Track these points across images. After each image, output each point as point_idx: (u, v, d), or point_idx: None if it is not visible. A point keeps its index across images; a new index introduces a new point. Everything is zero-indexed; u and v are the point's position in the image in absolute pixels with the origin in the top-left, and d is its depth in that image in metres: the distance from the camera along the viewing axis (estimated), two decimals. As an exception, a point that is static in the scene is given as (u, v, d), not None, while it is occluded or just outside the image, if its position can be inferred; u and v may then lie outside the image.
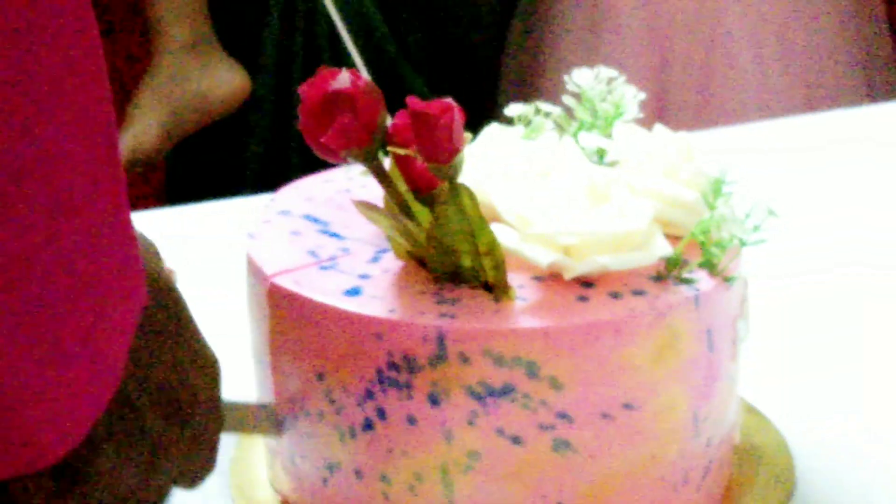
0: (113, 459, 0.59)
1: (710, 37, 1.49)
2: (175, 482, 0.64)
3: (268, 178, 1.26)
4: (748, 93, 1.49)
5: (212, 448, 0.64)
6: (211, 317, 0.93)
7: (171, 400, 0.61)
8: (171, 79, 1.25)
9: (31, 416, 0.52)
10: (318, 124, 0.67)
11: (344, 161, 0.69)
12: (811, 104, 1.49)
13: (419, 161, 0.67)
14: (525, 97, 0.76)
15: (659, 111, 1.45)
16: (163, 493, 0.63)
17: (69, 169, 0.51)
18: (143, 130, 1.20)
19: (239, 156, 1.35)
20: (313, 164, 0.88)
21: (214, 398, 0.64)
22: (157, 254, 0.62)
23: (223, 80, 1.27)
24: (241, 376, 0.80)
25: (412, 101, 0.66)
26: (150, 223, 1.06)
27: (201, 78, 1.25)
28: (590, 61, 0.74)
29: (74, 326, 0.53)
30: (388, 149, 0.68)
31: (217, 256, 1.01)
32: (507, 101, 0.75)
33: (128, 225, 0.55)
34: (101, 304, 0.54)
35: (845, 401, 0.83)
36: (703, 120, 1.45)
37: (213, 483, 0.77)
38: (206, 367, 0.63)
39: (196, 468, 0.64)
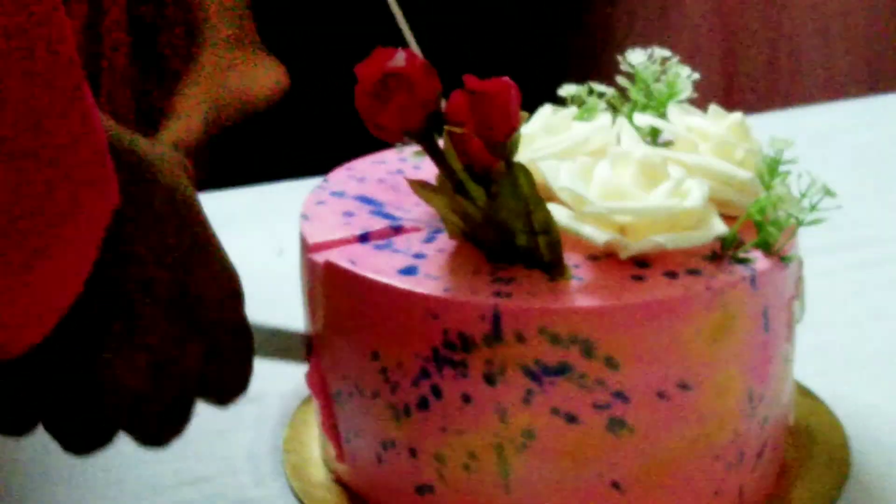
0: (115, 362, 0.59)
1: (776, 20, 1.48)
2: (201, 396, 0.64)
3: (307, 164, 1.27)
4: (813, 75, 1.49)
5: (239, 365, 0.65)
6: (263, 296, 0.94)
7: (182, 309, 0.61)
8: (215, 73, 1.26)
9: None
10: (374, 104, 0.67)
11: (400, 140, 0.69)
12: (874, 86, 1.49)
13: (475, 140, 0.67)
14: (590, 78, 0.76)
15: (725, 94, 1.45)
16: (182, 404, 0.63)
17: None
18: (186, 122, 1.22)
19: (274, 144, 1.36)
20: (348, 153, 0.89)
21: (237, 315, 0.64)
22: (174, 161, 0.62)
23: (264, 76, 1.28)
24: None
25: (469, 79, 0.66)
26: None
27: (243, 73, 1.27)
28: (657, 44, 0.75)
29: (38, 226, 0.54)
30: (445, 128, 0.68)
31: (269, 236, 1.01)
32: (573, 82, 0.76)
33: (92, 120, 0.55)
34: (67, 203, 0.54)
35: (900, 383, 0.83)
36: (770, 102, 1.45)
37: (267, 462, 0.77)
38: (225, 283, 0.63)
39: (222, 385, 0.65)
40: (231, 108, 1.27)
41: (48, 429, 0.62)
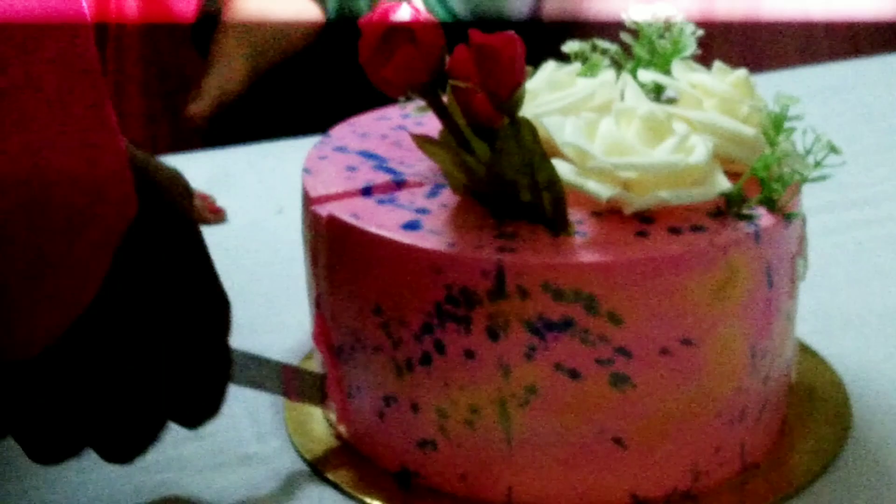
0: (86, 372, 0.60)
1: None
2: (173, 417, 0.65)
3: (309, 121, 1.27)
4: (791, 38, 1.48)
5: (215, 391, 0.65)
6: (263, 253, 0.94)
7: (165, 329, 0.61)
8: (251, 17, 1.25)
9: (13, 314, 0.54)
10: (378, 58, 0.67)
11: (404, 95, 0.69)
12: (855, 50, 1.48)
13: (479, 95, 0.67)
14: (594, 35, 0.76)
15: (702, 58, 1.44)
16: (153, 423, 0.64)
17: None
18: (229, 70, 1.21)
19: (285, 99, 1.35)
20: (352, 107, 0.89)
21: (220, 340, 0.65)
22: (181, 185, 0.62)
23: (300, 14, 1.27)
24: (296, 311, 0.80)
25: (474, 33, 0.65)
26: (201, 163, 1.06)
27: (279, 14, 1.26)
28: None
29: (56, 231, 0.54)
30: (449, 82, 0.67)
31: (268, 193, 1.01)
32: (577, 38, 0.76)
33: (111, 128, 0.56)
34: (86, 210, 0.55)
35: (901, 341, 0.83)
36: (747, 66, 1.44)
37: (268, 419, 0.77)
38: (214, 308, 0.63)
39: (195, 408, 0.65)
40: (271, 52, 1.27)
41: (16, 436, 0.63)
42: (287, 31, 1.26)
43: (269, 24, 1.25)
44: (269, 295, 0.89)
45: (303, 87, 1.35)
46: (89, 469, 0.73)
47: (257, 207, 1.00)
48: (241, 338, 0.84)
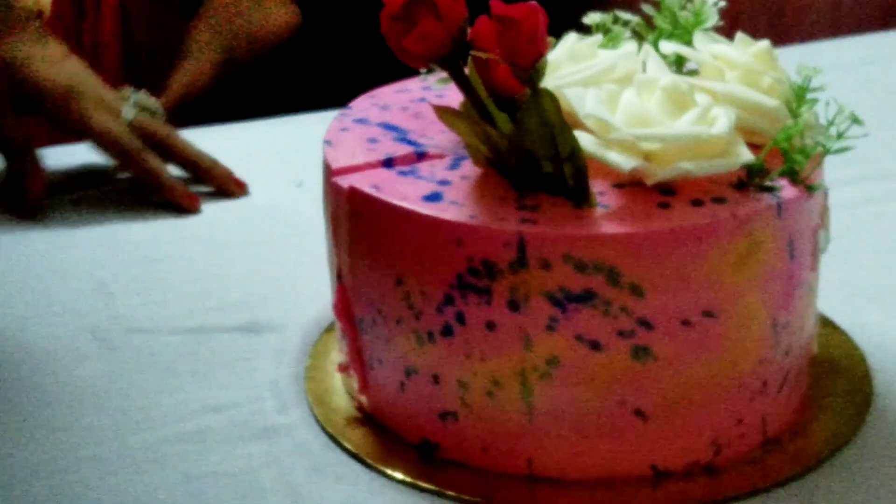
0: None
1: None
2: None
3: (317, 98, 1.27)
4: (821, 12, 1.47)
5: None
6: (284, 226, 0.94)
7: None
8: (225, 14, 1.26)
9: None
10: (400, 29, 0.67)
11: (425, 66, 0.69)
12: (883, 23, 1.47)
13: (501, 66, 0.67)
14: (615, 6, 0.76)
15: (728, 31, 1.44)
16: None
17: None
18: (199, 65, 1.22)
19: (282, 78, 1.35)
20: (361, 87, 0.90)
21: None
22: None
23: (274, 15, 1.28)
24: (316, 283, 0.80)
25: (495, 3, 0.65)
26: (221, 137, 1.07)
27: (253, 13, 1.27)
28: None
29: None
30: (470, 53, 0.67)
31: (288, 167, 1.01)
32: (598, 9, 0.75)
33: None
34: None
35: (923, 315, 0.82)
36: (775, 40, 1.44)
37: (289, 391, 0.78)
38: None
39: None
40: (242, 48, 1.28)
41: None
42: (259, 33, 1.27)
43: (242, 24, 1.26)
44: (290, 268, 0.89)
45: (327, 58, 1.35)
46: (111, 441, 0.74)
47: (277, 181, 1.00)
48: (263, 309, 0.85)
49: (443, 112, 0.70)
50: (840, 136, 0.68)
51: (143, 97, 1.00)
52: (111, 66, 1.26)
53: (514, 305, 0.67)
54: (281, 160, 1.03)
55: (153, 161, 0.98)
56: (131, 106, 0.99)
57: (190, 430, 0.75)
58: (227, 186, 0.99)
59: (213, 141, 1.06)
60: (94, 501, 0.70)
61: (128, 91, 1.00)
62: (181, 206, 0.97)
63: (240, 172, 1.01)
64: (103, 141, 0.98)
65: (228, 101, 1.28)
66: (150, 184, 0.98)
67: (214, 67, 1.23)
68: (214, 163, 1.00)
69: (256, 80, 1.30)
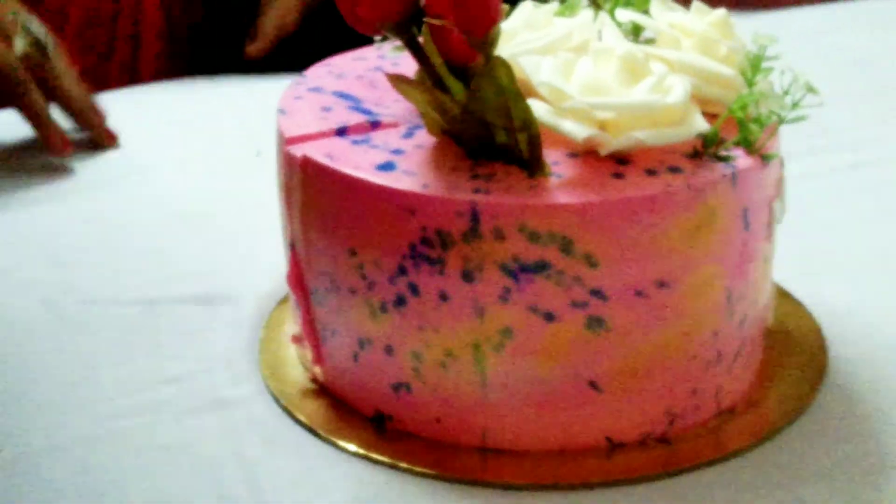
0: None
1: None
2: None
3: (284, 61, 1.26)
4: None
5: None
6: (239, 193, 0.93)
7: None
8: None
9: None
10: (352, -6, 0.66)
11: (378, 33, 0.68)
12: None
13: (455, 33, 0.66)
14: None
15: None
16: None
17: None
18: (284, 7, 1.22)
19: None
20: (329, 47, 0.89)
21: None
22: None
23: None
24: (272, 254, 0.80)
25: (449, -30, 0.64)
26: (174, 96, 1.05)
27: None
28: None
29: None
30: (424, 20, 0.67)
31: (243, 132, 1.00)
32: None
33: None
34: None
35: (880, 286, 0.82)
36: (737, 6, 1.43)
37: (243, 362, 0.77)
38: None
39: None
40: None
41: None
42: None
43: None
44: (245, 238, 0.88)
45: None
46: (61, 413, 0.73)
47: (235, 149, 0.99)
48: (217, 280, 0.84)
49: (397, 80, 0.69)
50: (795, 105, 0.68)
51: (38, 27, 0.98)
52: (151, 38, 1.25)
53: (467, 276, 0.67)
54: (240, 128, 1.02)
55: (36, 97, 0.97)
56: (23, 38, 0.97)
57: (142, 403, 0.74)
58: (99, 136, 0.98)
59: (168, 103, 1.05)
60: (43, 475, 0.69)
61: (23, 17, 0.98)
62: (53, 148, 0.96)
63: (198, 141, 1.00)
64: None
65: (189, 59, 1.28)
66: (30, 120, 0.97)
67: (300, 7, 1.23)
68: (94, 110, 0.99)
69: (219, 40, 1.30)
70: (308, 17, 1.27)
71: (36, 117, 0.96)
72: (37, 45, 0.98)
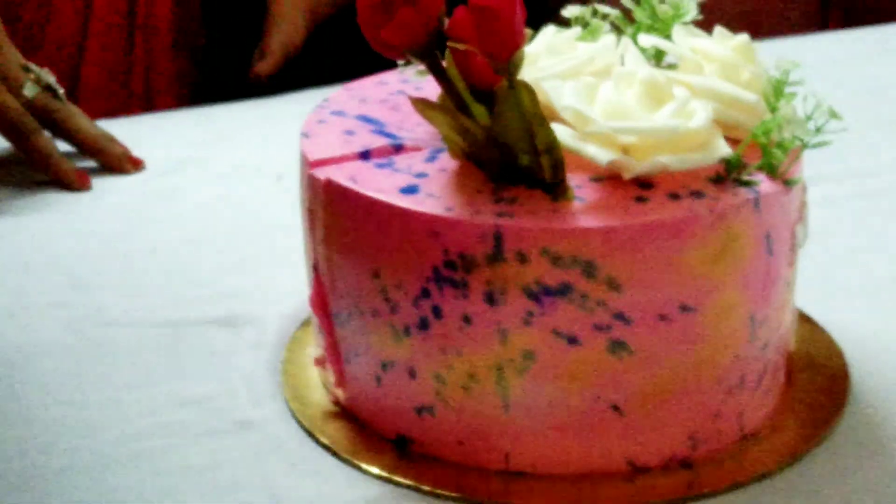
0: None
1: None
2: None
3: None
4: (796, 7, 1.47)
5: None
6: (261, 216, 0.93)
7: None
8: None
9: None
10: (377, 18, 0.66)
11: (402, 57, 0.68)
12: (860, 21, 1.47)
13: (478, 57, 0.67)
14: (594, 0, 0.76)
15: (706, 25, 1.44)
16: None
17: None
18: (291, 26, 1.23)
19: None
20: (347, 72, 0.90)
21: None
22: None
23: None
24: (294, 276, 0.80)
25: (473, -6, 0.65)
26: (194, 121, 1.06)
27: None
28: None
29: None
30: (447, 44, 0.67)
31: (264, 156, 1.00)
32: (577, 2, 0.75)
33: None
34: None
35: (902, 311, 0.82)
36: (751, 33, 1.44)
37: (265, 384, 0.77)
38: None
39: None
40: (326, 3, 1.29)
41: None
42: None
43: None
44: (267, 261, 0.88)
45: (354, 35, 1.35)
46: (84, 435, 0.73)
47: (256, 174, 0.99)
48: (240, 302, 0.84)
49: (420, 104, 0.70)
50: (818, 130, 0.68)
51: (47, 74, 0.99)
52: (162, 45, 1.26)
53: (490, 299, 0.67)
54: (260, 152, 1.02)
55: (43, 142, 0.98)
56: (32, 84, 0.98)
57: (164, 424, 0.74)
58: (122, 165, 0.99)
59: (190, 127, 1.05)
60: (65, 496, 0.69)
61: (32, 67, 0.99)
62: (71, 185, 0.97)
63: (219, 165, 1.00)
64: None
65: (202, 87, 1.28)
66: (41, 163, 0.98)
67: (306, 24, 1.23)
68: (112, 141, 1.00)
69: (235, 62, 1.30)
70: (314, 35, 1.28)
71: (45, 160, 0.97)
72: (48, 89, 0.99)
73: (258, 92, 1.13)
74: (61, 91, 1.00)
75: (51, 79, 1.00)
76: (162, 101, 1.23)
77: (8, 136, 0.98)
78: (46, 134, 0.98)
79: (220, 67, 1.32)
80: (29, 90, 0.98)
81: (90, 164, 0.99)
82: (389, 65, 0.81)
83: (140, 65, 1.23)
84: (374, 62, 0.86)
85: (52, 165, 0.97)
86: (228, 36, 1.29)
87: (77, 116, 1.00)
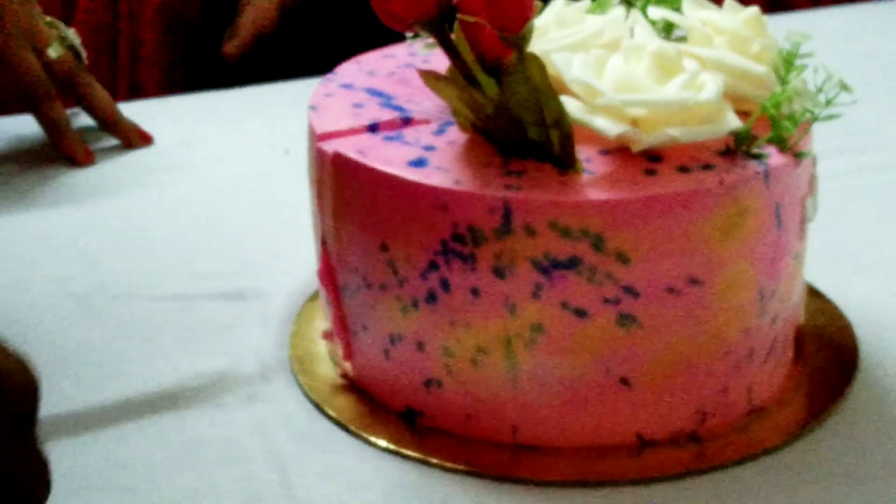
0: None
1: None
2: None
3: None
4: None
5: None
6: (271, 194, 0.93)
7: None
8: None
9: None
10: (385, -9, 0.66)
11: (411, 30, 0.68)
12: None
13: (487, 30, 0.66)
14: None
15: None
16: None
17: None
18: (262, 6, 1.23)
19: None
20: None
21: None
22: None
23: None
24: (302, 250, 0.80)
25: (482, -34, 0.64)
26: (202, 102, 1.06)
27: None
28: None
29: None
30: (457, 17, 0.67)
31: (271, 132, 1.00)
32: None
33: None
34: None
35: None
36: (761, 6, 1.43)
37: (273, 358, 0.77)
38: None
39: None
40: None
41: None
42: None
43: None
44: (275, 235, 0.88)
45: (329, 20, 1.34)
46: (91, 407, 0.73)
47: (263, 149, 0.99)
48: (248, 276, 0.84)
49: (429, 77, 0.70)
50: (829, 102, 0.68)
51: (73, 35, 0.99)
52: (150, 41, 1.26)
53: (498, 272, 0.67)
54: (267, 127, 1.02)
55: (58, 110, 0.97)
56: (59, 44, 0.97)
57: (173, 397, 0.74)
58: (133, 139, 0.98)
59: (198, 108, 1.05)
60: (73, 468, 0.70)
61: (59, 26, 0.99)
62: (73, 158, 0.96)
63: (226, 140, 1.00)
64: (17, 75, 0.96)
65: (213, 69, 1.28)
66: (50, 132, 0.97)
67: (276, 7, 1.23)
68: (121, 116, 0.99)
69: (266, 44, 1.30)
70: (287, 16, 1.27)
71: (54, 126, 0.96)
72: (72, 50, 0.98)
73: (239, 78, 1.12)
74: (84, 54, 0.99)
75: (76, 40, 0.99)
76: (148, 83, 1.23)
77: (25, 98, 0.97)
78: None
79: (206, 53, 1.32)
80: (54, 50, 0.97)
81: (99, 142, 0.99)
82: (366, 47, 0.81)
83: (125, 53, 1.23)
84: (352, 43, 0.86)
85: (60, 134, 0.97)
86: (213, 20, 1.28)
87: (96, 86, 0.99)
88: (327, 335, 0.76)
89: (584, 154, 0.68)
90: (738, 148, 0.68)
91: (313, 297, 0.81)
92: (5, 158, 0.98)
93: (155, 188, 0.95)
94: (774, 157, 0.68)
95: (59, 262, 0.86)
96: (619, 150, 0.68)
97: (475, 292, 0.67)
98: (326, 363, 0.76)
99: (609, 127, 0.67)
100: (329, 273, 0.73)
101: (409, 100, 0.75)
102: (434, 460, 0.69)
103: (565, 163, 0.67)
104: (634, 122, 0.67)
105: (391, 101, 0.75)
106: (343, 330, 0.74)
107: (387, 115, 0.73)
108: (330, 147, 0.71)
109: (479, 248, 0.67)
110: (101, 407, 0.73)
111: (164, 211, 0.92)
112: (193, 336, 0.79)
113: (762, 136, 0.68)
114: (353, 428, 0.72)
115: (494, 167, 0.68)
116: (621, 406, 0.69)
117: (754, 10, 0.72)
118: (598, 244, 0.66)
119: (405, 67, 0.78)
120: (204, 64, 1.28)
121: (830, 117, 0.68)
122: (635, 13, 0.74)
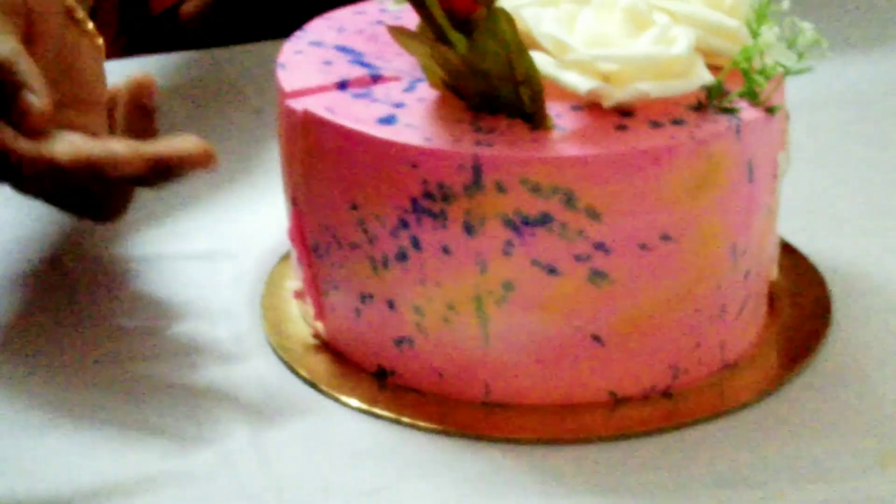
0: None
1: None
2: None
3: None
4: None
5: None
6: (238, 150, 0.92)
7: None
8: None
9: None
10: (352, -55, 0.65)
11: (379, -15, 0.67)
12: None
13: (456, -16, 0.66)
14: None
15: None
16: None
17: None
18: None
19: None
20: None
21: None
22: None
23: None
24: (273, 210, 0.79)
25: (450, -80, 0.64)
26: (162, 64, 1.05)
27: None
28: None
29: None
30: (425, -29, 0.66)
31: (239, 92, 0.99)
32: None
33: None
34: None
35: (885, 241, 0.82)
36: None
37: (245, 318, 0.77)
38: None
39: None
40: None
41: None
42: None
43: None
44: (246, 195, 0.88)
45: None
46: (57, 365, 0.73)
47: (233, 112, 0.98)
48: (218, 236, 0.84)
49: (398, 33, 0.69)
50: (801, 56, 0.67)
51: None
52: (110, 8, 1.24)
53: (469, 229, 0.66)
54: (236, 88, 1.01)
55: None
56: None
57: (143, 356, 0.74)
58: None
59: (164, 71, 1.04)
60: (43, 416, 0.69)
61: None
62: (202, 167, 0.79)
63: (194, 101, 0.99)
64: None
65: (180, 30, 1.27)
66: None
67: None
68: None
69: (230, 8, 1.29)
70: None
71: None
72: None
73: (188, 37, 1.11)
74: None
75: None
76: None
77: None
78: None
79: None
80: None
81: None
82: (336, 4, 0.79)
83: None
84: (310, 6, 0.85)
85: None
86: None
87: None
88: (299, 295, 0.75)
89: (555, 110, 0.68)
90: (709, 102, 0.68)
91: (285, 256, 0.81)
92: None
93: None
94: (746, 111, 0.68)
95: (30, 224, 0.85)
96: (590, 106, 0.68)
97: (446, 250, 0.67)
98: (298, 323, 0.76)
99: (580, 82, 0.66)
100: (300, 232, 0.73)
101: (379, 56, 0.74)
102: (406, 419, 0.69)
103: (536, 119, 0.67)
104: (606, 78, 0.67)
105: (361, 58, 0.74)
106: (314, 289, 0.73)
107: (356, 72, 0.73)
108: (299, 105, 0.70)
109: (450, 206, 0.66)
110: (63, 365, 0.73)
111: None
112: (163, 297, 0.79)
113: (734, 91, 0.68)
114: (324, 388, 0.71)
115: (465, 124, 0.67)
116: (593, 363, 0.69)
117: (726, -37, 0.72)
118: (569, 200, 0.65)
119: (375, 24, 0.78)
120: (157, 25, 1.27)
121: (802, 71, 0.68)
122: (606, -33, 0.73)
